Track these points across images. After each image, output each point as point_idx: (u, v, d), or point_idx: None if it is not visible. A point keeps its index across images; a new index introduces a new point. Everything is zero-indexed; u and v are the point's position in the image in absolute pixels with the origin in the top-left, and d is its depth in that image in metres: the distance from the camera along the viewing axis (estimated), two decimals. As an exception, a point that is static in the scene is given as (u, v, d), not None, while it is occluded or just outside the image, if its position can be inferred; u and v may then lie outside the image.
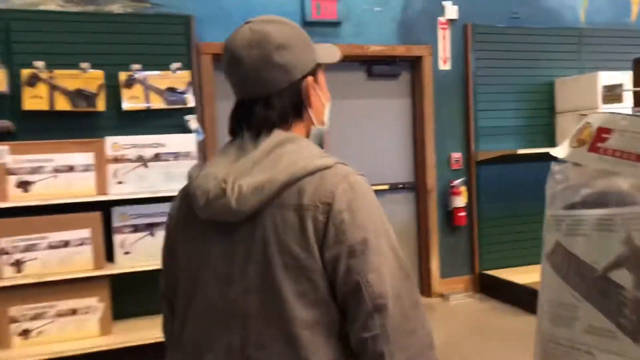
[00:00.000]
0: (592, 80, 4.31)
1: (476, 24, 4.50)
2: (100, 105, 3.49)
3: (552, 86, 4.69)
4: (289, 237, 0.92)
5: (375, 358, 0.90)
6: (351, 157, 4.17)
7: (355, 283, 0.90)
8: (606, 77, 4.28)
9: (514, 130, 4.62)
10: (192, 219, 1.02)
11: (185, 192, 1.06)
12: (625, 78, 4.35)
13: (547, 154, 4.26)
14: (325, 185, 0.93)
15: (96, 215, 3.26)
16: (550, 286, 0.82)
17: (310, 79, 1.04)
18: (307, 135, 1.07)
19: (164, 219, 3.45)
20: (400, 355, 0.90)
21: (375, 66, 4.39)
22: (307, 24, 4.05)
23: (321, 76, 1.09)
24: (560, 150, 0.86)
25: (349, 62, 4.32)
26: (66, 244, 3.21)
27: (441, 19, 4.43)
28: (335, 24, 4.16)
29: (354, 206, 0.93)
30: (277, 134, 0.98)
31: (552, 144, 4.69)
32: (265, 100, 1.00)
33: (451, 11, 4.44)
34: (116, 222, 3.39)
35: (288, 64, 1.00)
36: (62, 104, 3.42)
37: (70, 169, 3.30)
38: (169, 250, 1.12)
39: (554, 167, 0.85)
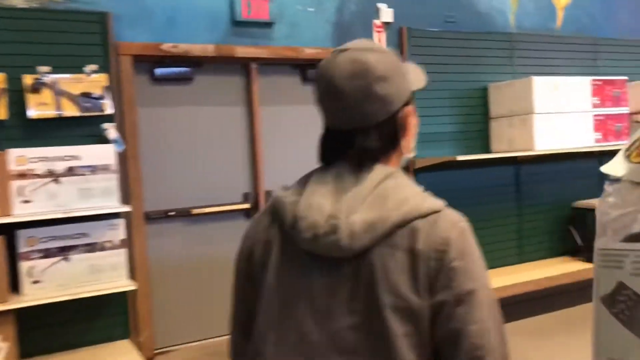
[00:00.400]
0: (527, 85, 4.31)
1: (411, 27, 4.39)
2: (1, 113, 3.04)
3: (486, 91, 4.67)
4: (400, 279, 0.92)
5: None
6: (295, 165, 3.93)
7: (456, 331, 0.92)
8: (541, 83, 4.30)
9: (450, 136, 4.55)
10: (286, 248, 1.00)
11: (277, 217, 1.03)
12: (559, 83, 4.38)
13: (484, 160, 4.15)
14: (438, 231, 0.95)
15: (-3, 240, 2.82)
16: (610, 338, 0.61)
17: (408, 109, 1.04)
18: (399, 164, 1.07)
19: (80, 241, 3.06)
20: None
21: (310, 70, 4.16)
22: (236, 24, 3.77)
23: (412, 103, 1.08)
24: (614, 167, 0.65)
25: (281, 65, 4.08)
26: (-40, 275, 2.74)
27: (376, 22, 4.28)
28: (267, 25, 3.91)
29: (466, 255, 0.95)
30: (380, 169, 0.99)
31: (487, 150, 4.66)
32: (364, 132, 1.00)
33: (386, 14, 4.30)
34: (22, 247, 2.95)
35: (388, 96, 0.99)
36: (-46, 112, 2.95)
37: (-35, 187, 2.83)
38: (248, 277, 1.08)
39: (607, 187, 0.65)
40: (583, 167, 5.00)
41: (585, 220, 4.78)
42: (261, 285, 1.03)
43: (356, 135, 0.99)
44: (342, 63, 0.98)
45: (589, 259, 2.43)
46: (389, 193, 0.95)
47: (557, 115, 4.38)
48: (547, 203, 4.91)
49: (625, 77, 4.76)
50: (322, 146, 1.06)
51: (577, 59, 5.05)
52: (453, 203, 1.09)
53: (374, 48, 1.02)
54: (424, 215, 0.95)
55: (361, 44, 1.02)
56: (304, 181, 1.03)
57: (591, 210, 5.30)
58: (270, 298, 1.01)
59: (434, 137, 4.46)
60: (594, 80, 4.58)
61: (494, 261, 4.55)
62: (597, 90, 4.56)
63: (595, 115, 4.54)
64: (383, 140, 1.01)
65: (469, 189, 4.47)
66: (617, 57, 5.23)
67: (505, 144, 4.50)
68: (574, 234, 4.84)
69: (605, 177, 0.68)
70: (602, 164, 0.92)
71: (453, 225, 0.98)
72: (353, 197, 0.94)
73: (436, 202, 1.00)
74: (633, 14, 5.48)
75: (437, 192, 1.08)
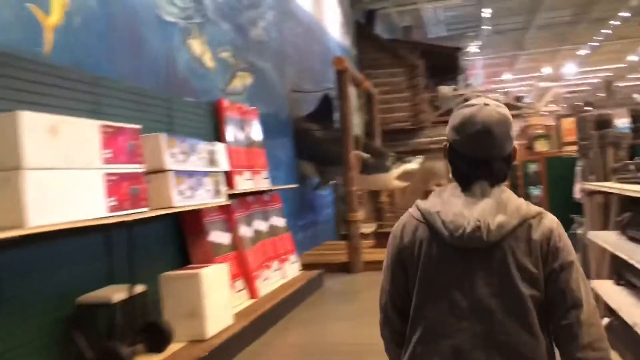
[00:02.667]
0: (11, 122, 2.71)
1: None
2: None
3: None
4: (524, 259, 1.40)
5: (571, 339, 1.38)
6: None
7: (562, 288, 1.40)
8: (32, 118, 2.77)
9: None
10: (434, 241, 1.45)
11: (424, 222, 1.48)
12: (61, 125, 2.97)
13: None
14: (545, 226, 1.43)
15: None
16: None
17: (516, 145, 1.55)
18: None
19: None
20: (586, 339, 1.36)
21: None
22: None
23: None
24: None
25: None
26: None
27: None
28: None
29: (563, 239, 1.45)
30: (500, 186, 1.48)
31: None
32: (501, 160, 1.49)
33: None
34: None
35: (513, 138, 1.51)
36: None
37: None
38: (401, 262, 1.52)
39: None
40: (91, 246, 3.68)
41: (94, 321, 3.45)
42: (413, 272, 1.49)
43: (493, 162, 1.47)
44: (490, 112, 1.46)
45: None
46: (508, 203, 1.43)
47: (57, 172, 2.94)
48: (37, 302, 3.31)
49: (139, 126, 3.77)
50: (456, 167, 1.52)
51: (76, 99, 3.75)
52: None
53: (502, 104, 1.53)
54: (533, 216, 1.43)
55: (494, 100, 1.53)
56: (440, 195, 1.51)
57: (102, 306, 3.76)
58: (427, 279, 1.46)
59: None
60: (105, 126, 3.38)
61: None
62: (109, 140, 3.37)
63: (108, 174, 3.33)
64: (509, 166, 1.52)
65: None
66: (122, 104, 4.21)
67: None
68: (78, 341, 3.42)
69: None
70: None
71: (552, 221, 1.46)
72: (486, 206, 1.41)
73: (537, 207, 1.47)
74: (135, 58, 4.65)
75: None
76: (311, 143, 8.49)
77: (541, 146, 9.28)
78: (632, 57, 23.10)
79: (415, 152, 9.34)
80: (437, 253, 1.43)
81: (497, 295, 1.38)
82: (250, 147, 6.19)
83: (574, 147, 5.09)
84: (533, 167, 6.45)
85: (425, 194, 8.53)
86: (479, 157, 1.45)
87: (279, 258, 6.29)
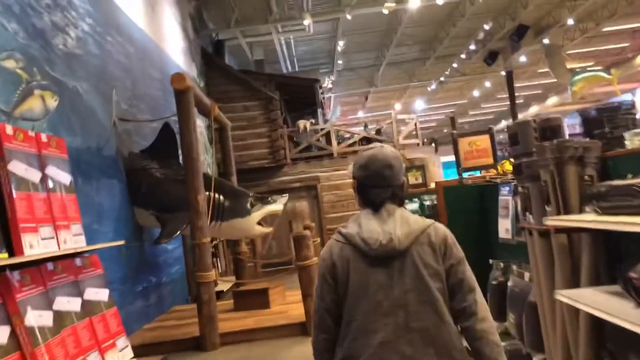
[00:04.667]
0: None
1: None
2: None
3: None
4: (429, 258, 1.87)
5: (470, 315, 1.85)
6: None
7: (460, 277, 1.88)
8: None
9: None
10: (357, 257, 1.88)
11: (348, 242, 1.92)
12: None
13: None
14: (439, 232, 1.92)
15: None
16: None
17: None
18: None
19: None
20: (480, 314, 1.84)
21: None
22: None
23: None
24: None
25: None
26: None
27: None
28: None
29: (454, 242, 1.94)
30: (400, 207, 1.98)
31: None
32: (398, 187, 1.98)
33: None
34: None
35: (404, 170, 2.01)
36: None
37: None
38: (333, 278, 1.92)
39: None
40: None
41: None
42: (345, 283, 1.89)
43: (393, 189, 1.96)
44: (386, 151, 1.98)
45: None
46: (409, 219, 1.92)
47: None
48: None
49: None
50: (366, 197, 1.99)
51: None
52: None
53: (392, 147, 2.11)
54: (429, 226, 1.92)
55: (386, 144, 2.15)
56: (356, 221, 1.96)
57: None
58: (355, 287, 1.87)
59: None
60: None
61: None
62: None
63: None
64: (403, 192, 2.01)
65: None
66: None
67: None
68: None
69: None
70: None
71: (444, 229, 1.95)
72: (394, 222, 1.89)
73: (428, 219, 1.96)
74: None
75: None
76: (149, 185, 6.76)
77: (415, 178, 8.45)
78: (474, 92, 24.35)
79: (277, 192, 7.96)
80: (361, 265, 1.88)
81: (411, 290, 1.83)
82: (51, 193, 4.35)
83: (479, 174, 4.08)
84: (428, 201, 5.36)
85: (295, 240, 6.44)
86: (383, 185, 1.95)
87: (99, 347, 4.43)
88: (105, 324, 4.65)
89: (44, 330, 3.85)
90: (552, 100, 24.09)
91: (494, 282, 3.41)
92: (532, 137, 2.55)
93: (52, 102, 5.06)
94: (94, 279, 4.80)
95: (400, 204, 1.97)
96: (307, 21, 13.13)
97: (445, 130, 35.46)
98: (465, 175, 4.03)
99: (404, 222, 1.87)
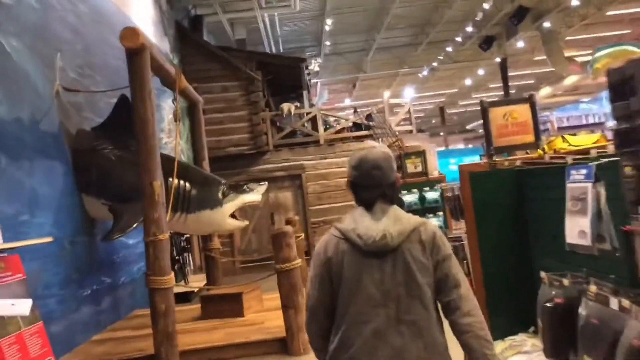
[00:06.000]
0: None
1: None
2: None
3: None
4: (418, 254, 1.96)
5: (455, 309, 1.94)
6: None
7: (446, 273, 1.97)
8: None
9: None
10: (352, 252, 1.97)
11: (345, 238, 2.00)
12: None
13: None
14: (429, 230, 2.01)
15: None
16: None
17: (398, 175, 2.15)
18: None
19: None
20: (465, 308, 1.93)
21: None
22: None
23: None
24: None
25: None
26: None
27: None
28: None
29: (442, 239, 2.02)
30: (393, 205, 2.06)
31: None
32: (389, 186, 2.06)
33: None
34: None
35: (395, 169, 2.10)
36: None
37: None
38: (328, 271, 2.01)
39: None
40: None
41: None
42: (339, 277, 1.98)
43: (383, 188, 2.04)
44: (377, 153, 2.06)
45: None
46: (401, 217, 2.01)
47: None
48: None
49: None
50: (359, 195, 2.08)
51: None
52: None
53: (385, 147, 2.17)
54: (420, 224, 2.01)
55: (377, 144, 2.16)
56: (352, 217, 2.04)
57: None
58: (349, 281, 1.96)
59: None
60: None
61: None
62: None
63: None
64: (394, 191, 2.09)
65: None
66: None
67: None
68: None
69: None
70: None
71: (434, 226, 2.06)
72: (387, 220, 1.98)
73: (420, 218, 2.05)
74: None
75: None
76: (101, 169, 5.65)
77: (414, 167, 7.44)
78: (466, 81, 23.39)
79: (255, 181, 6.88)
80: (356, 260, 1.97)
81: (401, 284, 1.93)
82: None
83: (523, 154, 3.08)
84: (432, 195, 4.33)
85: (273, 239, 5.03)
86: (373, 185, 2.03)
87: (10, 379, 3.36)
88: (22, 347, 3.57)
89: None
90: (546, 90, 23.22)
91: (548, 305, 2.41)
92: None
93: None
94: (11, 287, 3.70)
95: (391, 202, 2.06)
96: (292, -5, 12.02)
97: (433, 121, 34.53)
98: (504, 156, 3.04)
99: (397, 220, 1.99)
